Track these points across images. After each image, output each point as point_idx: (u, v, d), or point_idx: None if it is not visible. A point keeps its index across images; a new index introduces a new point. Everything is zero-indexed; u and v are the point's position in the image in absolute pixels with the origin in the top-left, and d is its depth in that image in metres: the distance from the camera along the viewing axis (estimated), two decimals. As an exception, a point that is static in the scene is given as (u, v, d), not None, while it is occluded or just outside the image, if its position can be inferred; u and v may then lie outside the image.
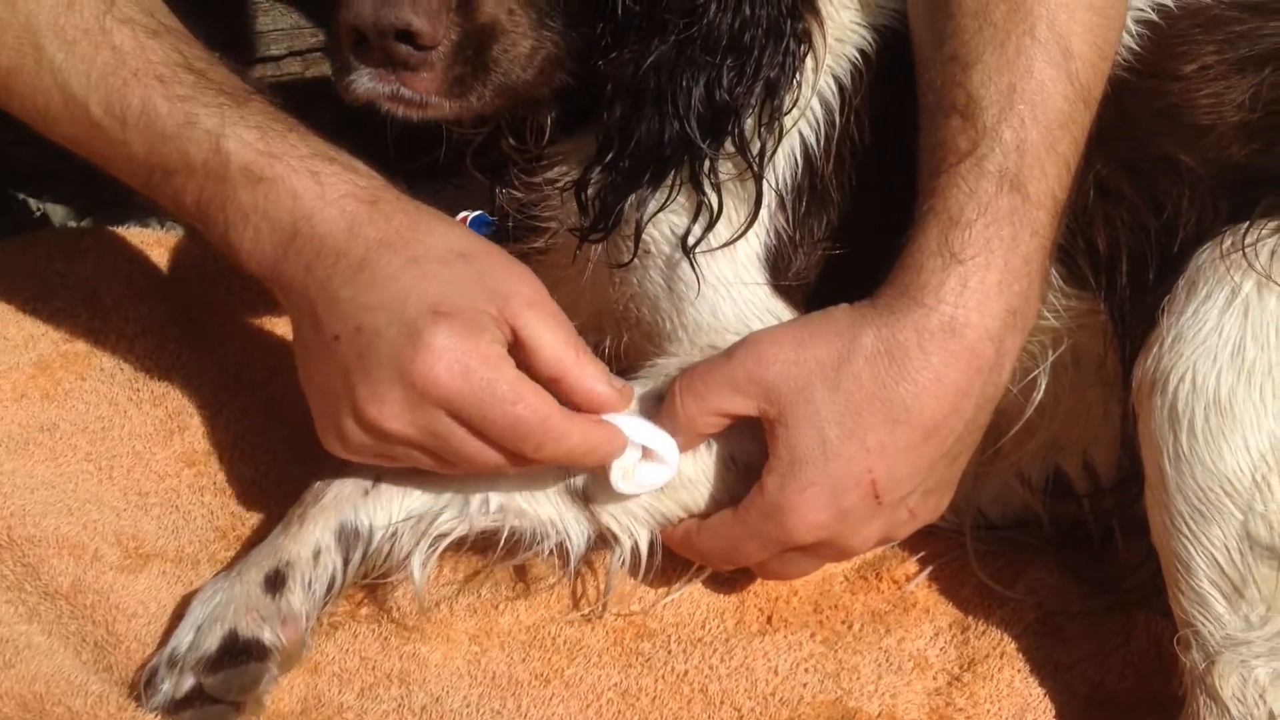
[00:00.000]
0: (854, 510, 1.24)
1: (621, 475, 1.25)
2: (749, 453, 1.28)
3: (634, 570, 1.35)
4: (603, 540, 1.32)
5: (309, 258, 1.21)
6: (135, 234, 1.64)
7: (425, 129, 1.34)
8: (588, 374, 1.23)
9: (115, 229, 1.62)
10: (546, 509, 1.30)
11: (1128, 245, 1.29)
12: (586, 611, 1.34)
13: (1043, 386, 1.34)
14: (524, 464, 1.22)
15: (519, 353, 1.22)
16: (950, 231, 1.20)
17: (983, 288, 1.20)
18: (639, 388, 1.33)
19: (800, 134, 1.33)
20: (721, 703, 1.29)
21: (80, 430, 1.45)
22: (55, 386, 1.48)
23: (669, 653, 1.33)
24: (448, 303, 1.19)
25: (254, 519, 1.40)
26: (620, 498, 1.29)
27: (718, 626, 1.36)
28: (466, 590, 1.36)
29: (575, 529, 1.31)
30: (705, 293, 1.34)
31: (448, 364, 1.17)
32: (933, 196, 1.22)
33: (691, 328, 1.35)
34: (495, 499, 1.29)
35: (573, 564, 1.32)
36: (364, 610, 1.34)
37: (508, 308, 1.21)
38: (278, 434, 1.47)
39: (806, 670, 1.33)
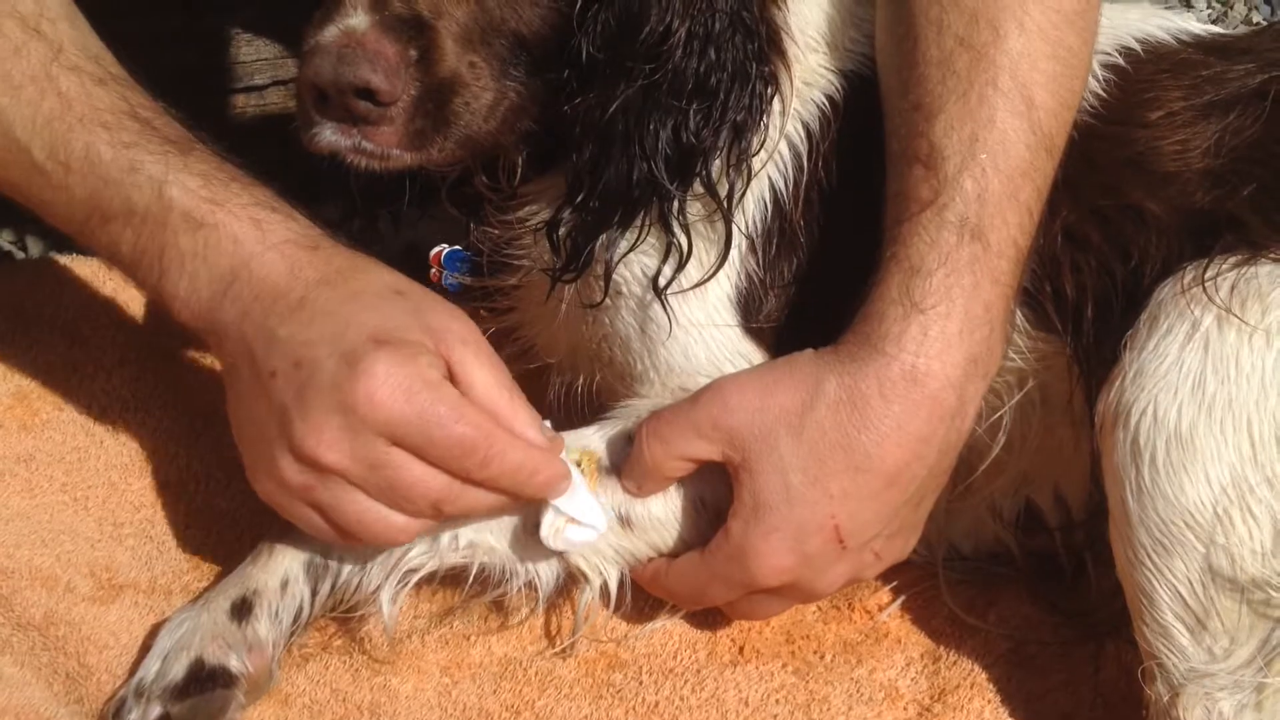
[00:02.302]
0: (818, 555, 1.25)
1: (552, 533, 1.26)
2: (719, 495, 1.29)
3: (607, 607, 1.35)
4: (572, 578, 1.33)
5: (247, 301, 1.22)
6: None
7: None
8: (519, 419, 1.23)
9: (94, 260, 1.62)
10: (516, 547, 1.31)
11: (1094, 290, 1.30)
12: (559, 647, 1.35)
13: (1008, 425, 1.35)
14: (464, 491, 1.21)
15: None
16: (911, 280, 1.22)
17: (944, 336, 1.21)
18: (609, 428, 1.34)
19: (769, 177, 1.35)
20: (691, 735, 1.30)
21: (56, 461, 1.45)
22: (33, 417, 1.48)
23: (640, 684, 1.34)
24: (386, 332, 1.19)
25: (228, 550, 1.40)
26: None
27: (689, 657, 1.37)
28: (439, 622, 1.36)
29: (544, 567, 1.32)
30: (677, 334, 1.35)
31: (389, 388, 1.17)
32: (895, 244, 1.24)
33: (663, 369, 1.36)
34: (465, 535, 1.30)
35: (541, 602, 1.33)
36: (336, 642, 1.34)
37: (442, 343, 1.22)
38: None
39: (777, 701, 1.33)
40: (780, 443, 1.22)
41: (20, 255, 1.84)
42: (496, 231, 1.43)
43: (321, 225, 1.29)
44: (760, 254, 1.35)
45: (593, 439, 1.33)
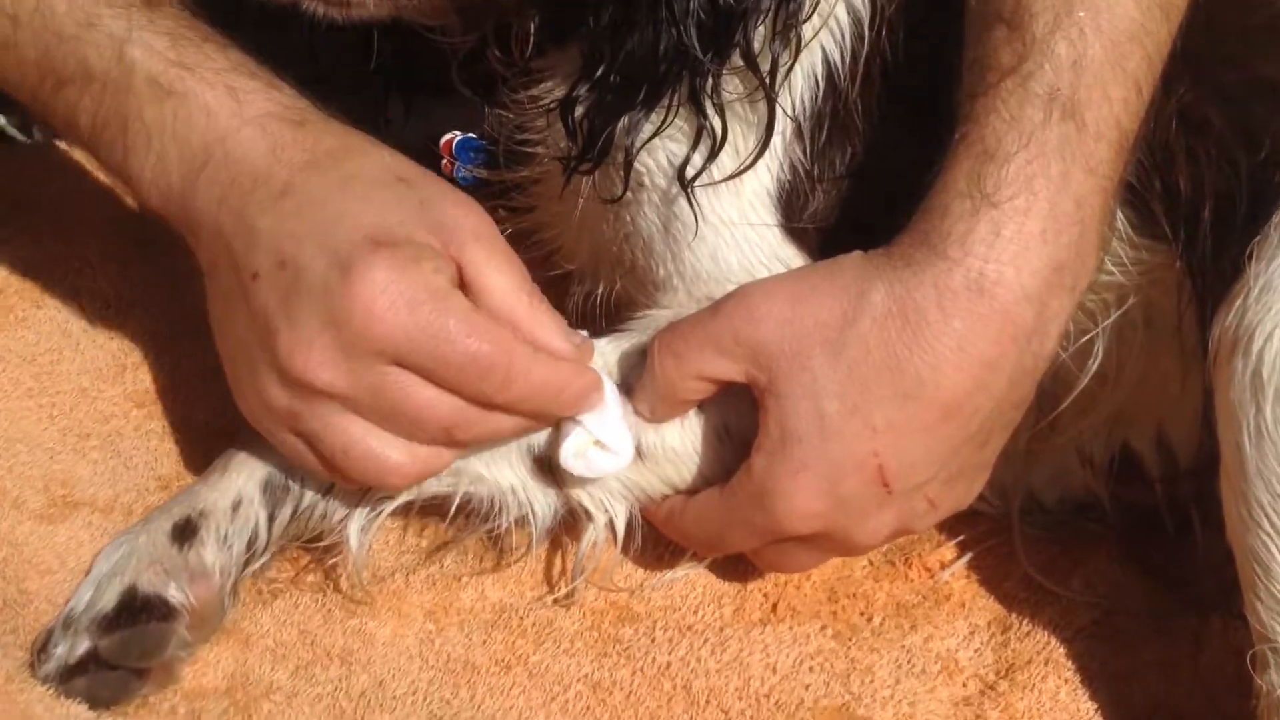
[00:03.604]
0: (856, 499, 1.05)
1: (574, 454, 1.09)
2: (746, 425, 1.09)
3: (615, 548, 1.18)
4: (574, 515, 1.16)
5: (223, 186, 1.06)
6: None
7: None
8: (541, 324, 1.06)
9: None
10: (507, 475, 1.13)
11: (1213, 186, 1.08)
12: (561, 592, 1.18)
13: (1100, 351, 1.13)
14: (481, 417, 1.05)
15: (464, 295, 1.06)
16: (984, 167, 1.00)
17: (1020, 237, 1.00)
18: (624, 342, 1.16)
19: (822, 48, 1.14)
20: (706, 702, 1.12)
21: (27, 363, 1.32)
22: (7, 314, 1.36)
23: (652, 641, 1.16)
24: (385, 230, 1.03)
25: (200, 468, 1.25)
26: None
27: (713, 613, 1.19)
28: (427, 560, 1.20)
29: (540, 500, 1.14)
30: (705, 234, 1.15)
31: (390, 299, 1.01)
32: (967, 123, 1.02)
33: (689, 275, 1.17)
34: None
35: (535, 540, 1.15)
36: (308, 577, 1.19)
37: (453, 241, 1.05)
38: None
39: (811, 669, 1.15)
40: (814, 362, 1.02)
41: (25, 141, 1.70)
42: (512, 115, 1.24)
43: (312, 99, 1.12)
44: (808, 140, 1.14)
45: (603, 353, 1.14)
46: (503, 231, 1.32)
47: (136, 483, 1.25)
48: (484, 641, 1.15)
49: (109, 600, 1.07)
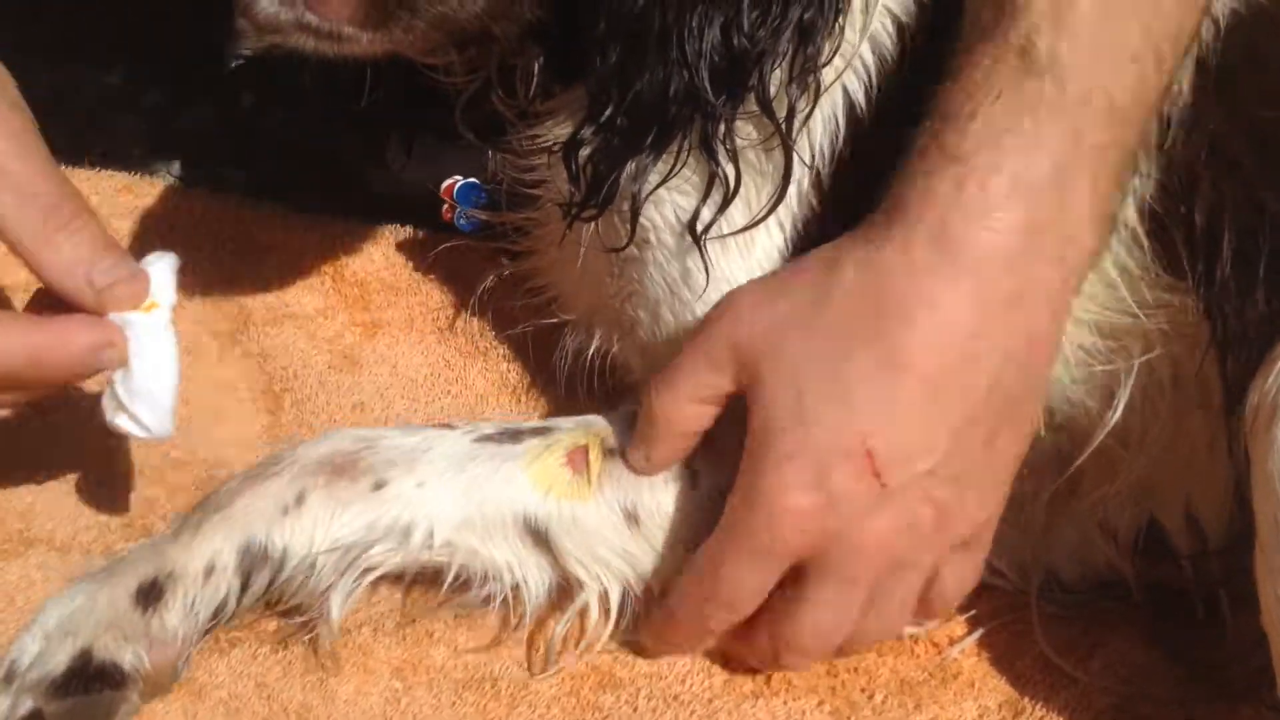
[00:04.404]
0: (848, 494, 0.96)
1: (110, 409, 1.03)
2: None
3: (606, 623, 1.11)
4: (567, 585, 1.10)
5: None
6: (105, 178, 1.48)
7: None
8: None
9: (73, 169, 1.42)
10: (503, 550, 1.08)
11: (1235, 220, 1.01)
12: (538, 654, 1.11)
13: (1122, 403, 1.06)
14: None
15: None
16: (950, 123, 0.94)
17: (984, 194, 0.92)
18: (623, 406, 1.11)
19: (845, 90, 1.07)
20: (690, 779, 1.04)
21: (1, 392, 1.26)
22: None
23: (634, 710, 1.08)
24: None
25: (168, 509, 1.19)
26: (588, 543, 1.08)
27: (702, 683, 1.10)
28: (399, 613, 1.12)
29: (535, 575, 1.09)
30: (710, 296, 1.09)
31: None
32: (941, 85, 0.97)
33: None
34: (442, 532, 1.07)
35: (529, 614, 1.09)
36: (269, 625, 1.11)
37: None
38: (218, 414, 1.28)
39: (804, 748, 1.06)
40: (790, 348, 0.96)
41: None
42: (514, 156, 1.19)
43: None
44: (827, 191, 1.08)
45: (598, 417, 1.10)
46: (502, 274, 1.29)
47: (98, 521, 1.18)
48: (454, 704, 1.07)
49: (59, 661, 0.99)
